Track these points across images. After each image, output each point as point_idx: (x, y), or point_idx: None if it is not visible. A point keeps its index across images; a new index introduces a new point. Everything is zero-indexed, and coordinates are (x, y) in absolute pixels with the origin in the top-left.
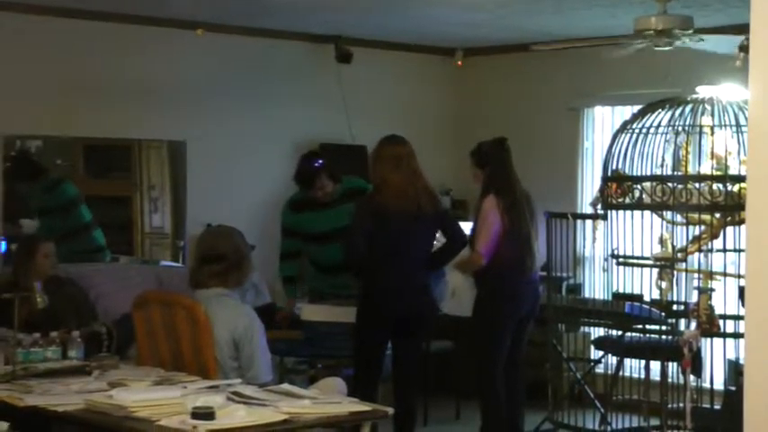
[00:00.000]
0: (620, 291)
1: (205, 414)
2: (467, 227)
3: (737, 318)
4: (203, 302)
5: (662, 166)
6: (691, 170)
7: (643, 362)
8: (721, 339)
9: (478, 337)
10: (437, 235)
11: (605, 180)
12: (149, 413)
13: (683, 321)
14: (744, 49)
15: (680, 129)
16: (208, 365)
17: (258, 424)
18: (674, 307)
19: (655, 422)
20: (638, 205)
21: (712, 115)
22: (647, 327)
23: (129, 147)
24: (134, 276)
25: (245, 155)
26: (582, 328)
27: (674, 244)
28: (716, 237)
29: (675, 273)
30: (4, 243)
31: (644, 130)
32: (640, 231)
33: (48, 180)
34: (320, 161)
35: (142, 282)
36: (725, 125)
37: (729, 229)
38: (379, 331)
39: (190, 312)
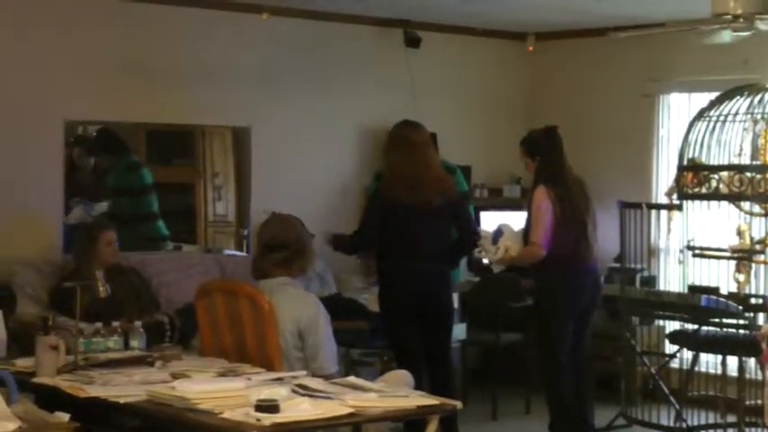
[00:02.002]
0: (696, 283)
1: (269, 407)
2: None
3: None
4: (267, 292)
5: (740, 154)
6: None
7: (719, 357)
8: None
9: (539, 328)
10: None
11: (681, 169)
12: (212, 405)
13: (761, 315)
14: None
15: (759, 116)
16: (272, 356)
17: (323, 417)
18: (752, 300)
19: (731, 419)
20: (715, 195)
21: None
22: (724, 320)
23: (192, 133)
24: (197, 265)
25: (311, 141)
26: (656, 322)
27: (752, 235)
28: None
29: (753, 265)
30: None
31: (721, 118)
32: (717, 222)
33: (130, 161)
34: None
35: (205, 271)
36: None
37: None
38: (406, 319)
39: (254, 302)
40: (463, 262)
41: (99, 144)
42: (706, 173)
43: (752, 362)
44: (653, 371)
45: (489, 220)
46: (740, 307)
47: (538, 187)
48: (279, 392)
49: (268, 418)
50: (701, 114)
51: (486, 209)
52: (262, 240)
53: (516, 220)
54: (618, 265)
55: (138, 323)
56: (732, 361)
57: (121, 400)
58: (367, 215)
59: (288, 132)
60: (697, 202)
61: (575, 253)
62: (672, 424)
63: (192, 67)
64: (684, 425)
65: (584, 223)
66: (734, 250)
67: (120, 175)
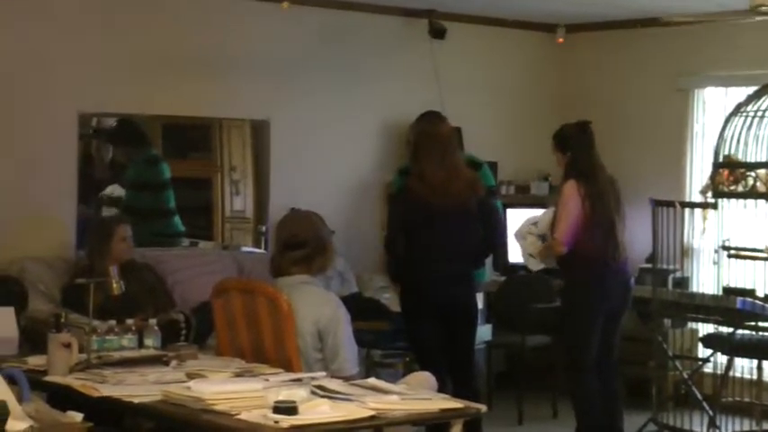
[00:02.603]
0: (731, 285)
1: (288, 408)
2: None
3: None
4: (286, 291)
5: None
6: None
7: (755, 361)
8: None
9: (566, 330)
10: None
11: (716, 166)
12: (229, 406)
13: None
14: None
15: None
16: (290, 357)
17: (343, 420)
18: None
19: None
20: (752, 193)
21: None
22: (760, 324)
23: (209, 126)
24: (213, 263)
25: (332, 135)
26: (689, 325)
27: None
28: None
29: None
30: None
31: (759, 113)
32: (754, 221)
33: (149, 154)
34: None
35: (222, 268)
36: None
37: None
38: (428, 321)
39: (272, 301)
40: (489, 260)
41: (119, 135)
42: (742, 170)
43: None
44: (685, 375)
45: (516, 218)
46: None
47: (567, 182)
48: (297, 394)
49: (286, 420)
50: (737, 109)
51: (512, 206)
52: (280, 238)
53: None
54: (650, 265)
55: (152, 321)
56: None
57: (135, 401)
58: (392, 221)
59: (308, 126)
60: (733, 201)
61: (602, 252)
62: (705, 431)
63: (209, 58)
64: None
65: (613, 222)
66: None
67: (139, 169)
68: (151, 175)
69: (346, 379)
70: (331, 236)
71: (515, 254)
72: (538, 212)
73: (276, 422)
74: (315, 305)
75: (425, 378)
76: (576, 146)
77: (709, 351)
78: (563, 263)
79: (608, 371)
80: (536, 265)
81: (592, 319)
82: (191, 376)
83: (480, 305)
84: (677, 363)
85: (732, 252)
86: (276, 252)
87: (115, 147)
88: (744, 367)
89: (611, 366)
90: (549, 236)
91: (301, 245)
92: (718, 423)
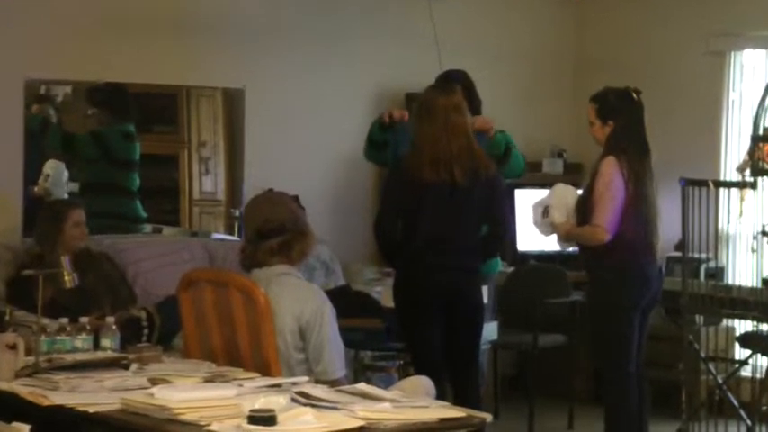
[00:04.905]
0: None
1: (265, 418)
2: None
3: None
4: (263, 283)
5: None
6: None
7: None
8: None
9: (602, 330)
10: None
11: (756, 140)
12: (198, 416)
13: None
14: None
15: None
16: (268, 359)
17: (329, 431)
18: None
19: None
20: None
21: None
22: None
23: (174, 95)
24: (180, 251)
25: (317, 106)
26: (724, 322)
27: None
28: None
29: None
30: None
31: None
32: None
33: (126, 129)
34: None
35: (190, 258)
36: None
37: None
38: (426, 318)
39: (247, 294)
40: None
41: (103, 97)
42: None
43: None
44: (720, 380)
45: (525, 200)
46: None
47: (607, 158)
48: (276, 401)
49: None
50: None
51: (521, 186)
52: (252, 226)
53: None
54: (679, 254)
55: (110, 319)
56: None
57: (91, 410)
58: (385, 202)
59: (289, 95)
60: None
61: (643, 239)
62: None
63: (174, 17)
64: None
65: (656, 208)
66: None
67: (115, 143)
68: (122, 151)
69: (333, 383)
70: (305, 215)
71: (524, 242)
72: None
73: None
74: (296, 299)
75: (422, 383)
76: (623, 116)
77: (748, 352)
78: (593, 252)
79: (635, 375)
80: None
81: (633, 314)
82: (154, 382)
83: (486, 299)
84: (710, 365)
85: None
86: (247, 242)
87: (94, 108)
88: None
89: (639, 370)
90: (571, 221)
91: (278, 231)
92: None
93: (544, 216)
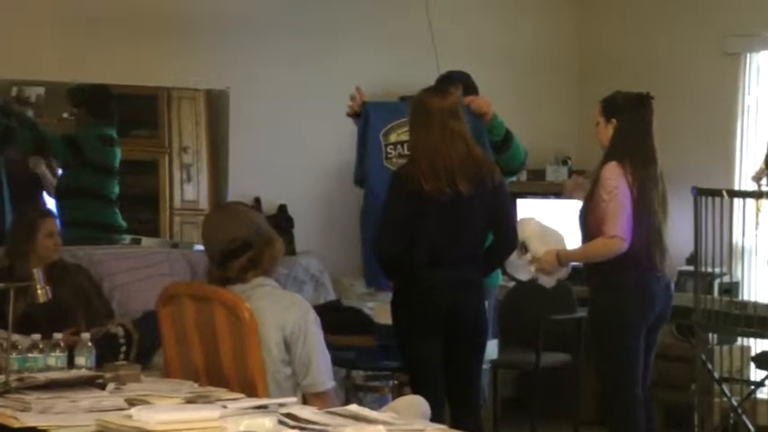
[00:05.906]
0: None
1: None
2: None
3: None
4: (243, 298)
5: None
6: None
7: None
8: None
9: (604, 349)
10: None
11: None
12: None
13: None
14: None
15: None
16: (254, 378)
17: None
18: None
19: None
20: None
21: None
22: None
23: (155, 97)
24: (160, 263)
25: (305, 109)
26: (739, 340)
27: None
28: None
29: None
30: None
31: None
32: None
33: (106, 132)
34: None
35: (170, 270)
36: None
37: None
38: (425, 335)
39: (231, 309)
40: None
41: (85, 97)
42: None
43: None
44: (734, 402)
45: (527, 210)
46: None
47: (609, 164)
48: (262, 424)
49: None
50: None
51: (523, 195)
52: (216, 248)
53: (562, 209)
54: (691, 268)
55: (86, 335)
56: None
57: None
58: (386, 212)
59: (275, 97)
60: None
61: (646, 252)
62: None
63: (156, 16)
64: None
65: (659, 217)
66: None
67: (90, 145)
68: (101, 156)
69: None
70: (262, 216)
71: None
72: (548, 208)
73: None
74: (278, 309)
75: (416, 402)
76: (628, 117)
77: (764, 373)
78: (594, 268)
79: (642, 396)
80: (549, 282)
81: (638, 331)
82: (132, 402)
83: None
84: (725, 387)
85: None
86: (213, 264)
87: (75, 110)
88: None
89: (646, 391)
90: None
91: (244, 248)
92: None
93: (522, 254)
